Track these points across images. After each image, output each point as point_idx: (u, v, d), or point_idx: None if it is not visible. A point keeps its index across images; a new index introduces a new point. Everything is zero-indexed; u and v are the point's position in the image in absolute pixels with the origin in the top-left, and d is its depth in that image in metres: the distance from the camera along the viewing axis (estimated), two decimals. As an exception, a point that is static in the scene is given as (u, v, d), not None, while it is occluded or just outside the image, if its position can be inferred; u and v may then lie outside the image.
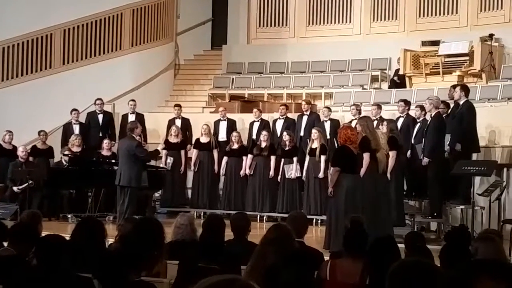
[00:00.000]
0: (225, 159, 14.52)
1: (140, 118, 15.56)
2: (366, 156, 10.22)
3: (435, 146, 11.58)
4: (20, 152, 13.90)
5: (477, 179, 11.43)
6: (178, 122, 15.36)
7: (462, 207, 11.71)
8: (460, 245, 5.15)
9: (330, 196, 10.08)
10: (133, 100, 15.78)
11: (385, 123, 11.69)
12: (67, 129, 15.34)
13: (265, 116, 15.34)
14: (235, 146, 14.42)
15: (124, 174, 11.84)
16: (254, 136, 14.79)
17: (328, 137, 13.75)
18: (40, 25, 16.53)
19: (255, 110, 15.05)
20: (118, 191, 12.11)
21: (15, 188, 13.46)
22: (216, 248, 5.51)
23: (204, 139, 14.80)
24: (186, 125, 15.45)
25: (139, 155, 12.02)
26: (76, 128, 15.25)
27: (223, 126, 15.16)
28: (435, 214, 11.69)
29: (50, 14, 16.59)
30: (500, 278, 2.26)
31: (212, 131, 15.02)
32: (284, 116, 14.78)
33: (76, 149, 14.42)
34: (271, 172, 13.99)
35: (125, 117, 15.61)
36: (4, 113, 15.99)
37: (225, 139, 14.96)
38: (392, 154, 11.21)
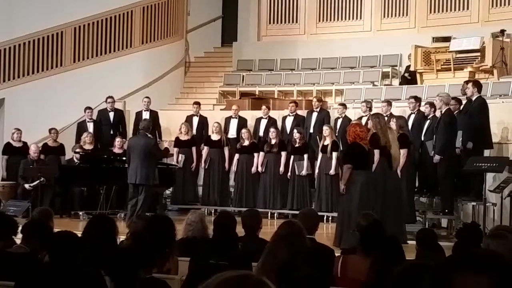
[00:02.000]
0: (236, 156, 14.53)
1: (154, 115, 15.64)
2: (376, 153, 10.22)
3: (447, 143, 11.55)
4: (32, 151, 13.94)
5: (489, 176, 11.38)
6: (196, 120, 15.40)
7: (474, 203, 11.67)
8: (472, 242, 5.14)
9: (343, 193, 10.07)
10: (147, 97, 15.83)
11: (394, 119, 11.68)
12: (81, 127, 15.39)
13: (275, 113, 15.35)
14: (246, 143, 14.43)
15: (142, 172, 11.84)
16: (261, 133, 14.80)
17: (336, 134, 13.73)
18: (51, 23, 16.58)
19: (263, 107, 15.06)
20: (130, 189, 12.11)
21: (26, 186, 13.51)
22: (228, 245, 5.52)
23: (215, 137, 14.81)
24: (203, 123, 15.47)
25: (156, 153, 12.10)
26: (90, 126, 15.31)
27: (233, 123, 15.18)
28: (446, 211, 11.66)
29: (61, 12, 16.63)
30: (480, 270, 2.25)
31: (222, 128, 15.06)
32: (294, 113, 14.78)
33: (88, 146, 14.47)
34: (281, 169, 13.99)
35: (139, 114, 15.67)
36: (16, 110, 16.06)
37: (235, 136, 14.99)
38: (403, 152, 11.21)
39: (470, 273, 2.23)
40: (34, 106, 16.12)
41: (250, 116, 15.47)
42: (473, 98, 11.76)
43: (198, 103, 15.70)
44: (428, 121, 12.44)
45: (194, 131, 15.30)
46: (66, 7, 16.68)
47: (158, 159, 12.72)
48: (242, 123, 15.14)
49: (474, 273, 2.22)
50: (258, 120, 15.05)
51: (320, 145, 13.56)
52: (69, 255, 4.57)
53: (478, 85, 11.92)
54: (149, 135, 12.30)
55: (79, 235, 5.20)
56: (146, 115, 15.56)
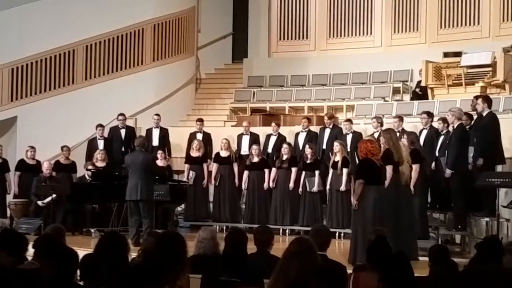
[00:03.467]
0: (246, 173, 14.51)
1: (164, 132, 15.67)
2: (389, 169, 10.19)
3: (458, 157, 11.49)
4: (45, 168, 13.98)
5: (501, 191, 11.32)
6: (199, 136, 15.40)
7: (487, 219, 11.58)
8: (491, 256, 5.09)
9: (355, 209, 10.03)
10: (157, 115, 15.86)
11: (405, 135, 11.66)
12: (91, 144, 15.44)
13: (286, 129, 15.35)
14: (255, 159, 14.41)
15: (142, 188, 11.80)
16: (269, 150, 14.79)
17: (349, 150, 13.71)
18: (62, 41, 16.67)
19: (272, 124, 15.06)
20: (130, 206, 12.02)
21: (39, 202, 13.53)
22: (239, 262, 5.50)
23: (224, 153, 14.81)
24: (207, 140, 15.48)
25: (155, 169, 12.14)
26: (101, 143, 15.36)
27: (245, 140, 15.17)
28: (459, 226, 11.58)
29: (72, 30, 16.73)
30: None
31: (234, 145, 15.06)
32: (307, 129, 14.76)
33: (100, 163, 14.50)
34: (291, 184, 13.95)
35: (149, 131, 15.71)
36: (28, 128, 16.13)
37: (247, 152, 14.98)
38: (415, 167, 11.18)
39: None
40: (46, 123, 16.19)
41: (262, 132, 15.46)
42: (484, 113, 11.70)
43: (201, 120, 15.71)
44: (442, 137, 12.38)
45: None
46: (78, 25, 16.77)
47: (156, 175, 12.78)
48: (254, 139, 15.13)
49: None
50: (268, 137, 15.04)
51: (331, 161, 13.53)
52: (73, 271, 4.56)
53: (488, 100, 11.85)
54: (144, 151, 12.36)
55: (91, 252, 5.19)
56: (156, 132, 15.60)
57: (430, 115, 13.06)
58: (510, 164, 12.28)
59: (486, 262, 4.99)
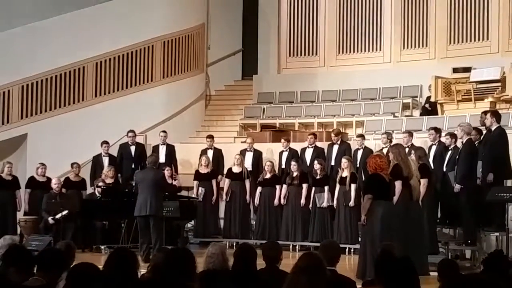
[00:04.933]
0: (259, 189, 14.54)
1: (170, 149, 15.71)
2: (398, 184, 10.20)
3: (467, 172, 11.51)
4: (54, 184, 14.04)
5: (511, 206, 11.31)
6: (210, 153, 15.44)
7: (497, 234, 11.57)
8: (498, 270, 5.10)
9: (363, 224, 10.05)
10: (164, 132, 15.90)
11: (413, 151, 11.69)
12: (96, 161, 15.49)
13: (296, 145, 15.37)
14: (268, 175, 14.45)
15: (152, 204, 11.90)
16: (283, 166, 14.82)
17: (358, 165, 13.72)
18: (73, 58, 16.79)
19: (283, 140, 15.10)
20: (140, 222, 12.14)
21: (49, 219, 13.59)
22: (248, 277, 5.51)
23: (236, 169, 14.85)
24: (218, 156, 15.52)
25: (165, 185, 12.25)
26: (106, 160, 15.38)
27: (249, 156, 15.20)
28: (469, 241, 11.57)
29: (82, 48, 16.84)
30: None
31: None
32: (313, 145, 14.78)
33: (109, 180, 14.56)
34: (302, 201, 13.97)
35: (156, 148, 15.74)
36: (38, 145, 16.23)
37: (250, 169, 15.01)
38: (424, 181, 11.20)
39: None
40: (56, 141, 16.28)
41: (268, 148, 15.50)
42: (493, 128, 11.72)
43: (211, 137, 15.75)
44: (449, 152, 12.40)
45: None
46: (88, 42, 16.88)
47: (166, 191, 12.88)
48: (258, 155, 15.18)
49: None
50: (280, 154, 15.06)
51: (338, 177, 13.55)
52: (89, 286, 4.59)
53: (496, 115, 11.88)
54: (155, 168, 12.48)
55: (99, 268, 5.22)
56: (162, 149, 15.61)
57: (437, 130, 13.08)
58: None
59: (494, 276, 5.00)
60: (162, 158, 15.57)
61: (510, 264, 5.57)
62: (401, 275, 4.72)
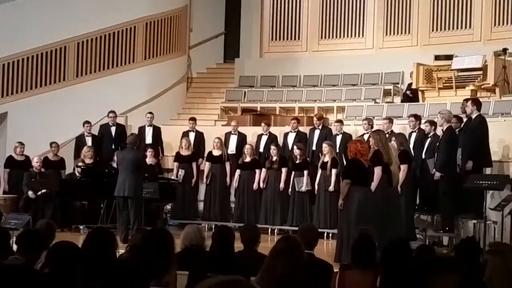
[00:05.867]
0: (238, 171, 14.56)
1: (157, 130, 15.71)
2: (378, 170, 10.24)
3: (447, 160, 11.57)
4: (35, 162, 14.01)
5: (489, 194, 11.39)
6: (192, 135, 15.44)
7: (475, 221, 11.67)
8: (469, 257, 5.15)
9: (341, 209, 10.10)
10: (150, 113, 15.90)
11: (393, 138, 11.72)
12: (79, 141, 15.46)
13: (276, 129, 15.39)
14: (248, 159, 14.46)
15: (130, 185, 11.89)
16: (261, 150, 14.84)
17: (338, 151, 13.76)
18: (54, 37, 16.67)
19: (263, 124, 15.11)
20: (119, 202, 12.14)
21: (30, 193, 13.53)
22: (226, 259, 5.52)
23: (216, 152, 14.85)
24: (200, 139, 15.52)
25: (144, 166, 12.23)
26: (89, 140, 15.36)
27: (233, 139, 15.22)
28: (447, 228, 11.66)
29: (64, 27, 16.72)
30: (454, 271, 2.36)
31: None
32: (296, 130, 14.81)
33: (88, 161, 14.52)
34: (282, 185, 14.01)
35: (142, 129, 15.73)
36: (18, 124, 16.12)
37: (234, 152, 15.02)
38: (404, 167, 11.26)
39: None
40: (36, 120, 16.18)
41: (252, 132, 15.51)
42: (473, 116, 11.78)
43: (194, 119, 15.75)
44: (428, 139, 12.46)
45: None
46: (70, 22, 16.76)
47: (145, 172, 12.86)
48: (242, 138, 15.18)
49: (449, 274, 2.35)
50: (259, 137, 15.09)
51: (320, 162, 13.59)
52: (70, 265, 4.58)
53: (477, 103, 11.94)
54: (135, 149, 12.44)
55: (79, 247, 5.21)
56: (149, 131, 15.64)
57: (417, 117, 13.14)
58: (499, 167, 12.36)
59: (465, 263, 5.05)
60: (148, 140, 15.61)
61: (481, 250, 5.63)
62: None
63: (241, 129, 15.47)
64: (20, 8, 16.47)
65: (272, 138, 14.90)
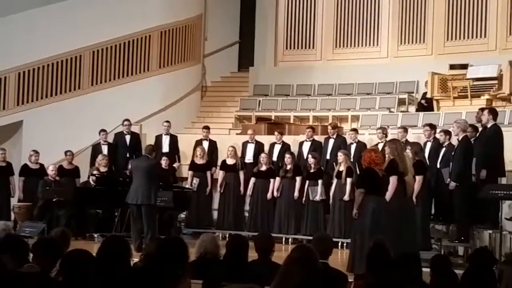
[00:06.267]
0: (252, 180, 14.55)
1: (174, 139, 15.76)
2: (393, 179, 10.18)
3: (462, 170, 11.50)
4: (50, 171, 14.08)
5: (505, 204, 11.32)
6: (206, 144, 15.46)
7: (490, 231, 11.58)
8: (483, 267, 5.12)
9: (355, 218, 10.07)
10: (167, 122, 15.94)
11: (409, 146, 11.65)
12: (96, 150, 15.51)
13: (291, 138, 15.38)
14: (263, 167, 14.45)
15: (143, 193, 11.88)
16: (274, 158, 14.82)
17: (352, 159, 13.72)
18: (69, 46, 16.75)
19: (276, 132, 15.11)
20: (133, 211, 12.12)
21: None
22: (240, 268, 5.51)
23: (230, 161, 14.85)
24: (213, 147, 15.53)
25: (158, 174, 12.43)
26: (105, 149, 15.42)
27: (250, 148, 15.22)
28: (462, 238, 11.58)
29: (79, 36, 16.80)
30: None
31: (239, 152, 15.10)
32: (311, 139, 14.79)
33: (103, 169, 14.55)
34: (296, 193, 13.98)
35: (159, 138, 15.78)
36: (33, 133, 16.20)
37: (251, 161, 15.01)
38: (419, 178, 11.18)
39: None
40: (51, 128, 16.26)
41: (267, 141, 15.50)
42: (488, 126, 11.72)
43: (207, 128, 15.79)
44: (443, 149, 12.41)
45: (205, 156, 15.35)
46: (85, 30, 16.84)
47: (160, 180, 12.87)
48: (259, 147, 15.17)
49: None
50: (272, 146, 15.08)
51: (335, 171, 13.57)
52: (83, 273, 4.59)
53: (494, 113, 11.87)
54: (150, 157, 12.46)
55: (93, 254, 5.22)
56: (166, 139, 15.69)
57: (432, 127, 13.08)
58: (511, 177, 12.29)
59: (479, 273, 5.01)
60: (165, 148, 15.65)
61: (495, 261, 5.59)
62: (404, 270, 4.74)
63: (256, 137, 15.46)
64: (35, 17, 16.57)
65: (286, 147, 14.88)
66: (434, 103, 16.08)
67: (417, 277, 4.83)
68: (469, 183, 11.57)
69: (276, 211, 14.26)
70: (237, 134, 16.82)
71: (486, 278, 4.87)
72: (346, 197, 13.24)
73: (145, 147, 13.27)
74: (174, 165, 15.34)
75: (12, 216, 14.20)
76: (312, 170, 13.90)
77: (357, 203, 10.00)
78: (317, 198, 13.76)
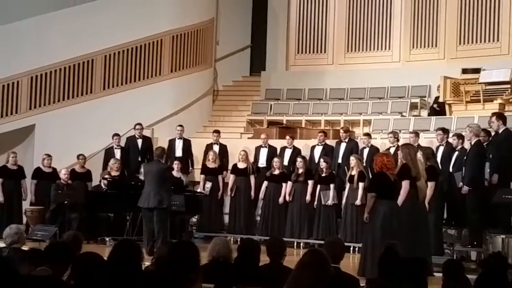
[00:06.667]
0: (265, 183, 14.55)
1: (187, 143, 15.78)
2: (405, 184, 10.14)
3: (475, 174, 11.46)
4: (63, 174, 14.12)
5: (518, 208, 11.28)
6: (216, 148, 15.47)
7: (503, 236, 11.52)
8: (497, 272, 5.09)
9: (366, 222, 10.05)
10: (180, 126, 15.97)
11: (421, 151, 11.61)
12: (108, 153, 15.55)
13: (302, 142, 15.38)
14: (276, 172, 14.44)
15: (154, 197, 11.89)
16: (285, 163, 14.81)
17: (364, 164, 13.70)
18: (82, 50, 16.80)
19: (287, 137, 15.11)
20: (145, 215, 12.12)
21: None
22: (251, 271, 5.50)
23: (241, 165, 14.86)
24: (223, 151, 15.54)
25: (170, 177, 12.39)
26: (118, 153, 15.47)
27: (263, 152, 15.23)
28: (475, 243, 11.53)
29: (91, 40, 16.86)
30: None
31: (251, 157, 15.10)
32: (323, 143, 14.79)
33: (114, 173, 14.57)
34: (308, 197, 13.97)
35: (172, 142, 15.81)
36: (46, 136, 16.26)
37: (264, 165, 15.01)
38: (431, 184, 11.12)
39: None
40: (63, 132, 16.31)
41: (278, 145, 15.50)
42: (500, 131, 11.68)
43: (218, 132, 15.82)
44: (456, 153, 12.37)
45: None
46: (97, 35, 16.90)
47: (171, 184, 12.87)
48: (272, 152, 15.18)
49: None
50: (283, 150, 15.08)
51: (347, 175, 13.55)
52: (93, 277, 4.59)
53: (502, 118, 11.86)
54: (161, 161, 12.46)
55: (104, 258, 5.23)
56: (179, 143, 15.71)
57: (445, 131, 13.05)
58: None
59: (492, 278, 4.99)
60: (178, 152, 15.67)
61: (508, 266, 5.57)
62: (410, 274, 4.72)
63: (268, 142, 15.46)
64: (47, 21, 16.65)
65: (297, 152, 14.88)
66: (447, 107, 16.03)
67: (420, 282, 4.80)
68: (482, 187, 11.52)
69: (288, 215, 14.26)
70: (248, 138, 16.83)
71: (499, 284, 4.84)
72: (358, 202, 13.21)
73: (155, 149, 13.24)
74: (183, 178, 15.26)
75: (24, 219, 14.25)
76: (323, 174, 13.89)
77: (368, 207, 9.99)
78: (329, 202, 13.74)
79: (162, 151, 12.70)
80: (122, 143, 15.82)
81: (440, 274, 6.45)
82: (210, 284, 5.64)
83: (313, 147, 14.95)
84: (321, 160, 14.05)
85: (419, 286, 4.74)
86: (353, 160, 13.43)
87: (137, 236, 13.11)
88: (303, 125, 17.47)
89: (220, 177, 15.09)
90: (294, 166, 14.44)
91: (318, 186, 13.91)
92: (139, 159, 15.55)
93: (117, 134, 15.64)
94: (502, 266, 5.38)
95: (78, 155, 15.02)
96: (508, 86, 15.28)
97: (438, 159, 12.53)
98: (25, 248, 7.19)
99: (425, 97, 17.38)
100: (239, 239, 13.97)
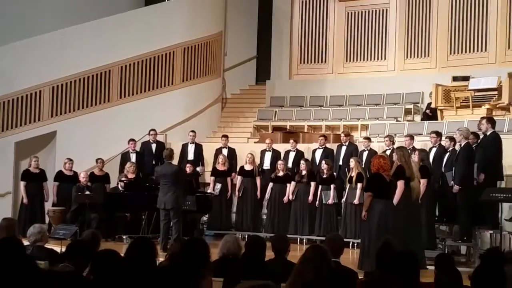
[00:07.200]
0: (270, 185, 14.57)
1: (199, 148, 15.81)
2: (400, 184, 10.18)
3: (465, 174, 11.47)
4: (82, 178, 14.15)
5: (505, 206, 11.27)
6: (225, 151, 15.50)
7: (491, 232, 11.53)
8: (493, 265, 5.08)
9: (363, 220, 10.08)
10: (192, 131, 15.97)
11: (416, 152, 11.66)
12: (124, 157, 15.58)
13: (304, 146, 15.40)
14: (281, 173, 14.46)
15: (170, 198, 11.88)
16: (289, 165, 14.82)
17: (364, 166, 13.70)
18: (100, 62, 16.84)
19: (291, 141, 15.13)
20: (162, 213, 12.11)
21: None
22: (258, 266, 5.52)
23: (248, 167, 14.88)
24: (232, 154, 15.56)
25: (182, 177, 12.38)
26: (133, 157, 15.49)
27: (268, 155, 15.25)
28: (465, 238, 11.53)
29: (109, 52, 16.90)
30: None
31: (257, 160, 15.13)
32: (323, 146, 14.80)
33: (131, 175, 14.60)
34: (310, 197, 13.98)
35: (184, 146, 15.83)
36: (66, 142, 16.29)
37: (269, 167, 15.04)
38: (423, 181, 11.16)
39: None
40: (83, 138, 16.35)
41: (282, 148, 15.53)
42: (488, 133, 11.71)
43: (226, 136, 15.85)
44: (447, 154, 12.38)
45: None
46: (114, 48, 16.94)
47: (185, 182, 12.87)
48: (276, 155, 15.20)
49: None
50: (287, 153, 15.10)
51: (348, 177, 13.56)
52: (111, 272, 4.61)
53: (491, 121, 11.91)
54: (172, 163, 12.45)
55: (121, 255, 5.25)
56: (191, 148, 15.73)
57: (438, 134, 13.06)
58: (509, 181, 12.24)
59: (489, 271, 4.99)
60: (190, 156, 15.67)
61: (505, 260, 5.56)
62: (403, 267, 4.72)
63: (273, 146, 15.48)
64: (68, 35, 16.69)
65: (300, 154, 14.91)
66: (438, 112, 16.05)
67: (410, 274, 4.81)
68: (471, 186, 11.53)
69: (292, 213, 14.27)
70: (255, 142, 16.85)
71: (495, 276, 4.84)
72: (355, 201, 13.22)
73: (164, 151, 13.16)
74: (198, 168, 15.37)
75: (47, 219, 14.29)
76: (324, 176, 13.90)
77: (365, 205, 10.01)
78: (330, 201, 13.76)
79: (171, 152, 12.67)
80: (138, 148, 15.85)
81: (433, 267, 6.47)
82: (220, 278, 5.67)
83: (314, 150, 14.96)
84: (323, 162, 14.07)
85: (412, 278, 4.74)
86: (352, 162, 13.45)
87: (152, 234, 13.14)
88: (305, 130, 17.50)
89: (229, 179, 15.11)
90: (297, 167, 14.46)
91: (320, 187, 13.93)
92: (153, 162, 15.57)
93: (132, 139, 15.68)
94: (499, 260, 5.37)
95: (97, 159, 15.05)
96: (495, 92, 15.29)
97: (431, 159, 12.55)
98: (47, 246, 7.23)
99: (418, 103, 17.39)
100: (246, 236, 14.02)
